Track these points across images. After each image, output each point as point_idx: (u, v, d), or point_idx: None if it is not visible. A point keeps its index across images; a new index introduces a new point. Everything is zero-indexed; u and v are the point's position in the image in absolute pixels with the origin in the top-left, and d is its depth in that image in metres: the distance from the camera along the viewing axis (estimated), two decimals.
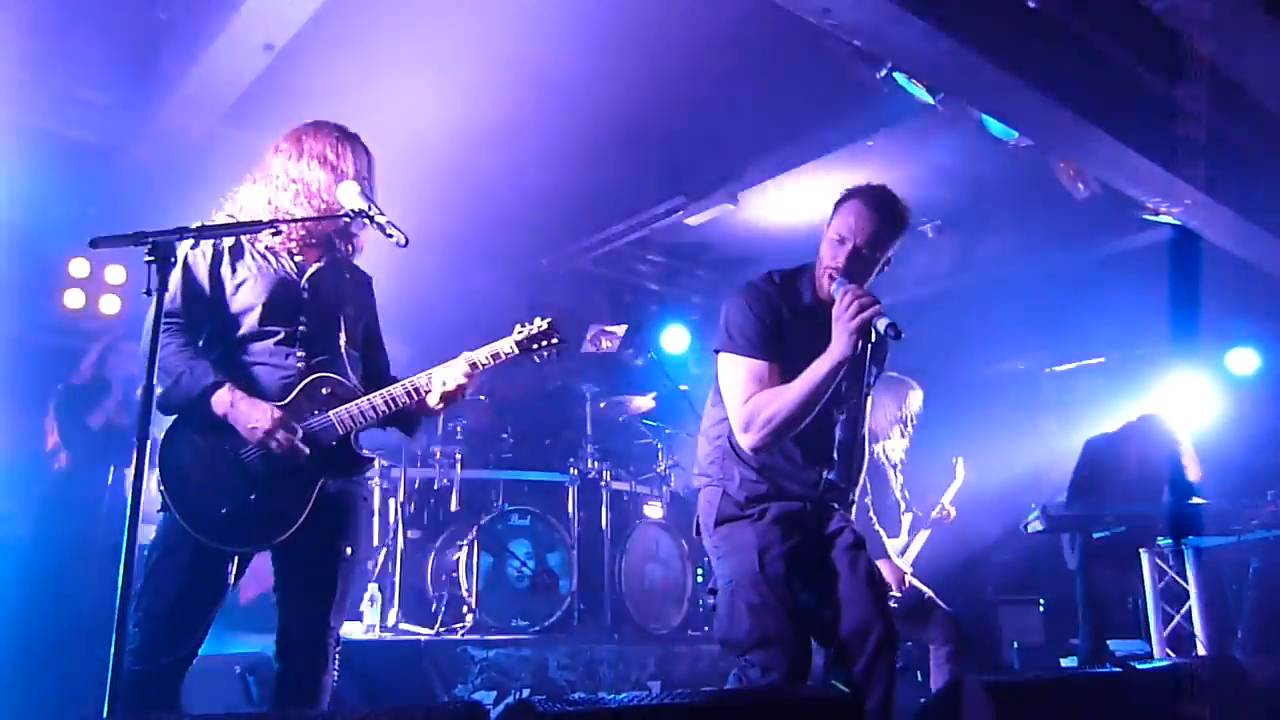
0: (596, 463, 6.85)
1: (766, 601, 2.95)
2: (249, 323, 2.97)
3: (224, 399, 2.82)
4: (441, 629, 5.74)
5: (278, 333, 2.98)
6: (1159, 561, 5.51)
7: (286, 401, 2.91)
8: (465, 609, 5.88)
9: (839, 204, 3.15)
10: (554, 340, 3.21)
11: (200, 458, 2.85)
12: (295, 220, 2.99)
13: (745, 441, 3.02)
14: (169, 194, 5.95)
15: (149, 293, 2.48)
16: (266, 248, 3.06)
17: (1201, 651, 5.18)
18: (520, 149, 6.73)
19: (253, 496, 2.83)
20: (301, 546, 2.92)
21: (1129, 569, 5.73)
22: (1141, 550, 5.53)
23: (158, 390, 2.60)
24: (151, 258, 2.47)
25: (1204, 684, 3.10)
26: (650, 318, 8.76)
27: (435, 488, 6.43)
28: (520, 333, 3.20)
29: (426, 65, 5.54)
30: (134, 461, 2.36)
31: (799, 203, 7.25)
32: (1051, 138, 5.48)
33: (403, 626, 5.77)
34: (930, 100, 5.31)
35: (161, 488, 2.81)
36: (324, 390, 2.99)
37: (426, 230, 7.25)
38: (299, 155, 3.08)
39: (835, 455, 3.19)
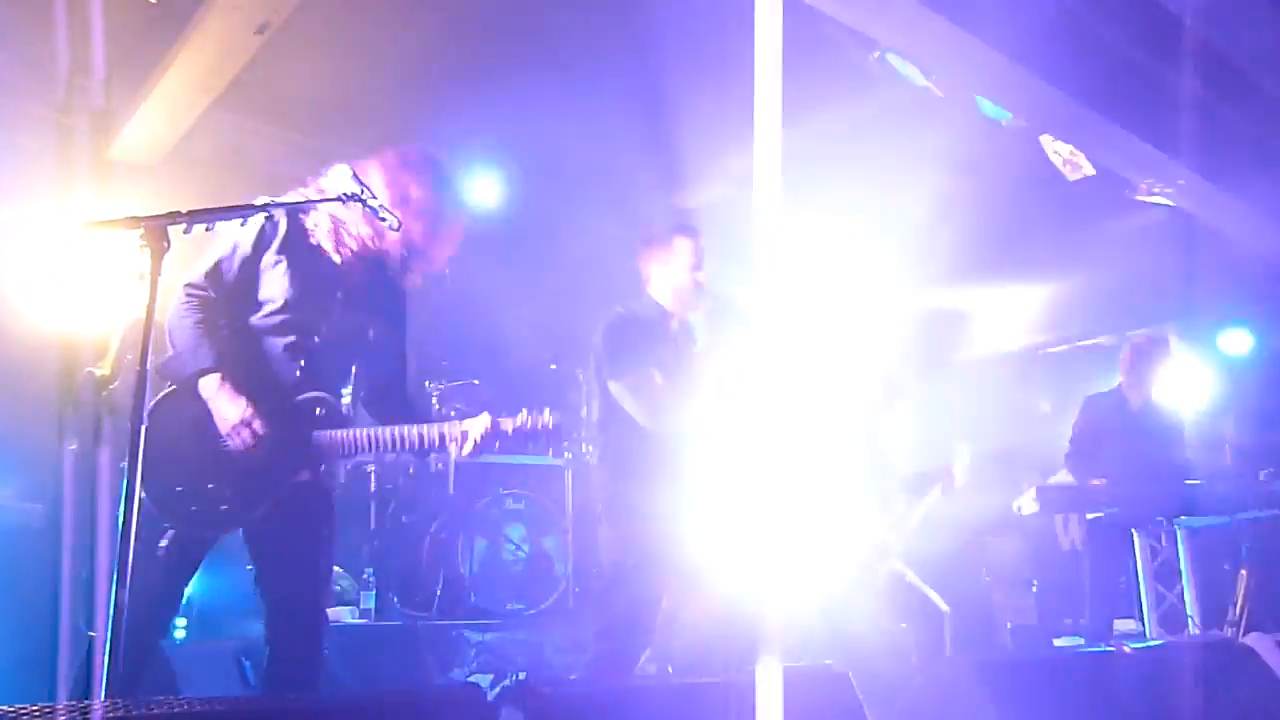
0: (591, 446, 6.85)
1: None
2: (270, 318, 2.99)
3: (212, 385, 2.85)
4: (437, 613, 5.75)
5: (292, 337, 3.00)
6: (1152, 541, 5.55)
7: (274, 407, 2.90)
8: (461, 593, 5.89)
9: (671, 239, 3.72)
10: (555, 437, 3.27)
11: (176, 433, 2.86)
12: (287, 204, 2.97)
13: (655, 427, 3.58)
14: (161, 178, 5.96)
15: (142, 278, 2.47)
16: (318, 244, 3.05)
17: (1194, 631, 5.22)
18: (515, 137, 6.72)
19: (210, 485, 2.83)
20: (272, 536, 2.95)
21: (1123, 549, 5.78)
22: (1134, 530, 5.57)
23: (166, 356, 2.67)
24: (144, 242, 2.46)
25: (1196, 663, 3.12)
26: None
27: (430, 472, 6.43)
28: (526, 419, 3.20)
29: (414, 50, 5.53)
30: (130, 443, 2.36)
31: (790, 186, 7.23)
32: (1045, 119, 5.47)
33: (399, 610, 5.78)
34: (923, 82, 5.29)
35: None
36: (317, 410, 3.00)
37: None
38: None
39: None
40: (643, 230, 3.79)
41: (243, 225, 2.95)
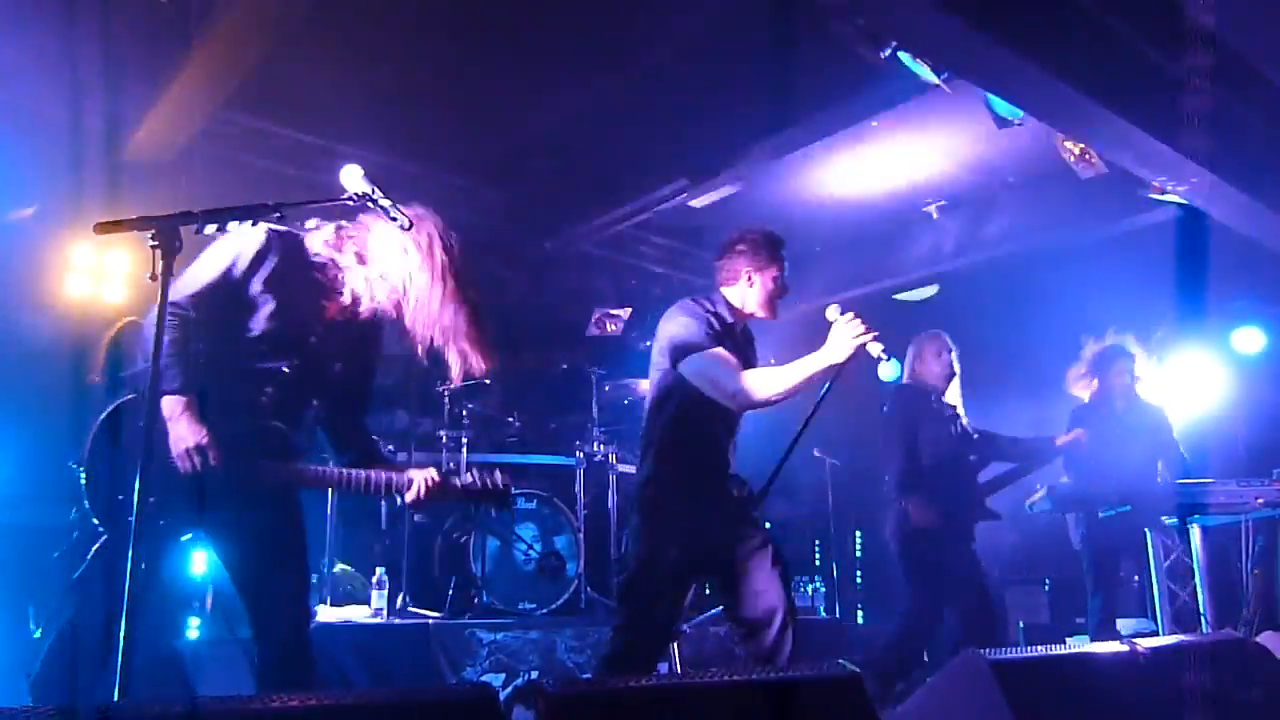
0: (603, 446, 6.86)
1: (649, 590, 3.50)
2: (246, 345, 3.02)
3: (173, 406, 2.85)
4: (449, 612, 5.76)
5: (263, 365, 3.03)
6: (1165, 540, 5.53)
7: (231, 432, 2.92)
8: (472, 592, 5.90)
9: (776, 254, 3.73)
10: (504, 504, 3.38)
11: (130, 448, 2.88)
12: (299, 204, 2.97)
13: (746, 402, 3.45)
14: (172, 178, 5.98)
15: (153, 278, 2.48)
16: (308, 278, 3.08)
17: (1207, 629, 5.20)
18: (522, 132, 6.73)
19: (151, 499, 2.82)
20: (241, 548, 3.01)
21: (1133, 547, 5.76)
22: (1147, 529, 5.55)
23: (135, 369, 2.76)
24: (155, 243, 2.47)
25: (1210, 662, 3.11)
26: (655, 300, 8.76)
27: (442, 472, 6.44)
28: (476, 479, 3.32)
29: (426, 46, 5.54)
30: (143, 445, 2.37)
31: (803, 184, 7.24)
32: (1057, 116, 5.44)
33: (411, 610, 5.80)
34: (935, 80, 5.28)
35: (88, 460, 2.89)
36: (272, 440, 3.04)
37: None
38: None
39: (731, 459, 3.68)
40: (738, 235, 3.81)
41: (235, 249, 3.00)
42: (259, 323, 3.02)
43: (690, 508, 3.54)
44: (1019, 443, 5.71)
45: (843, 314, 3.42)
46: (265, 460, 3.01)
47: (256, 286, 3.02)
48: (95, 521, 2.88)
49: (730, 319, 3.69)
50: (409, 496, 3.15)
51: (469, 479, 3.31)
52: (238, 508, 2.95)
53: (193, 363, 2.92)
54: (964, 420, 5.43)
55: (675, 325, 3.60)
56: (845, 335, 3.34)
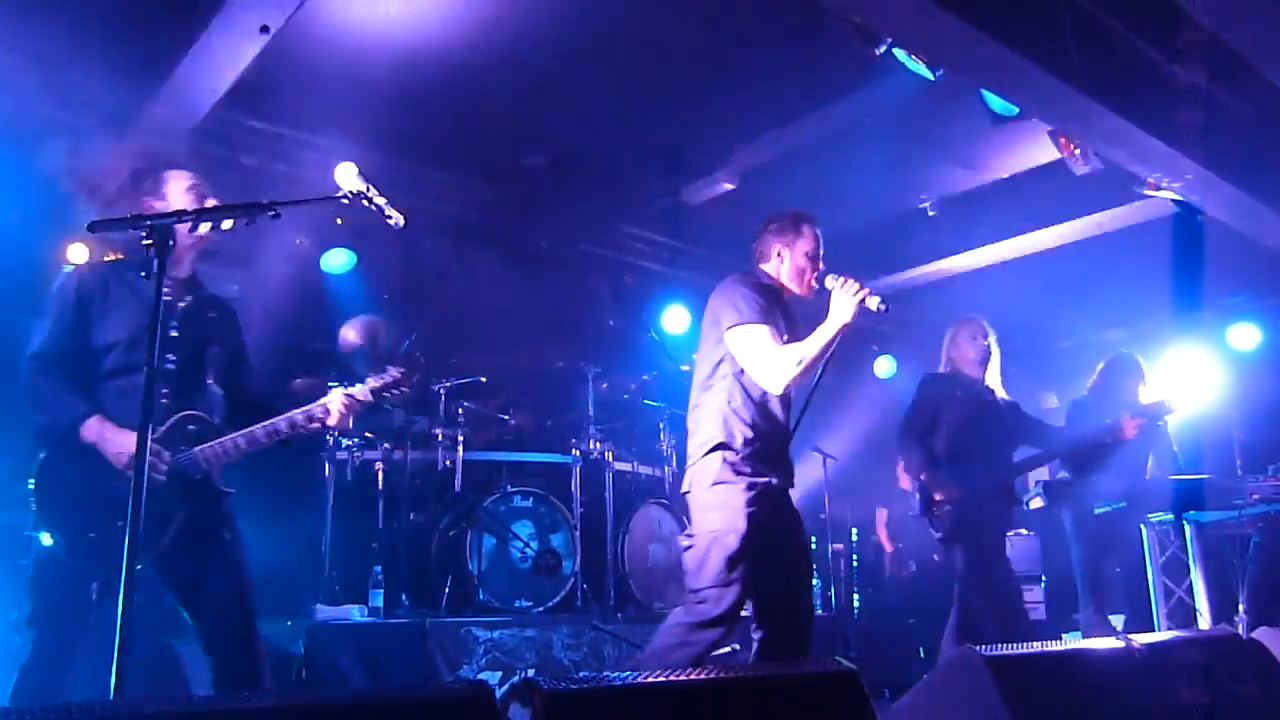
0: (599, 443, 6.85)
1: (741, 555, 3.41)
2: (115, 358, 3.10)
3: (94, 428, 2.97)
4: (446, 610, 5.76)
5: (145, 369, 3.06)
6: (1161, 536, 5.54)
7: (155, 436, 2.99)
8: (469, 590, 5.90)
9: (800, 228, 3.87)
10: (403, 389, 3.46)
11: (72, 485, 2.98)
12: (291, 203, 2.97)
13: (779, 381, 3.54)
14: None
15: (148, 276, 2.48)
16: (143, 280, 3.16)
17: (1203, 625, 5.21)
18: (518, 130, 6.72)
19: (120, 523, 2.87)
20: (183, 559, 3.09)
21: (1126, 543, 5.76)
22: (1143, 525, 5.56)
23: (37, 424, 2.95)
24: (150, 241, 2.48)
25: (1205, 658, 3.12)
26: (650, 298, 8.75)
27: (438, 469, 6.44)
28: (374, 382, 3.40)
29: (419, 46, 5.52)
30: (136, 445, 2.37)
31: (799, 180, 7.23)
32: (1052, 113, 5.45)
33: (407, 608, 5.80)
34: (930, 76, 5.28)
35: (41, 515, 2.98)
36: (190, 427, 3.16)
37: (427, 213, 7.28)
38: None
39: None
40: (771, 215, 3.96)
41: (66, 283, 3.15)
42: (118, 333, 3.12)
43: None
44: (1062, 431, 5.64)
45: (836, 279, 3.59)
46: (196, 447, 3.14)
47: (98, 308, 3.15)
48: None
49: (776, 293, 3.81)
50: (331, 420, 3.27)
51: (374, 382, 3.40)
52: (179, 511, 3.07)
53: (82, 390, 3.05)
54: (1004, 399, 5.34)
55: (727, 298, 3.68)
56: (844, 297, 3.50)
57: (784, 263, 3.85)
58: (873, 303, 3.49)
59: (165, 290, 3.11)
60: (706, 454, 3.58)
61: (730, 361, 3.64)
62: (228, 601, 3.13)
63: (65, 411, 2.98)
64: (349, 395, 3.31)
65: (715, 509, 3.51)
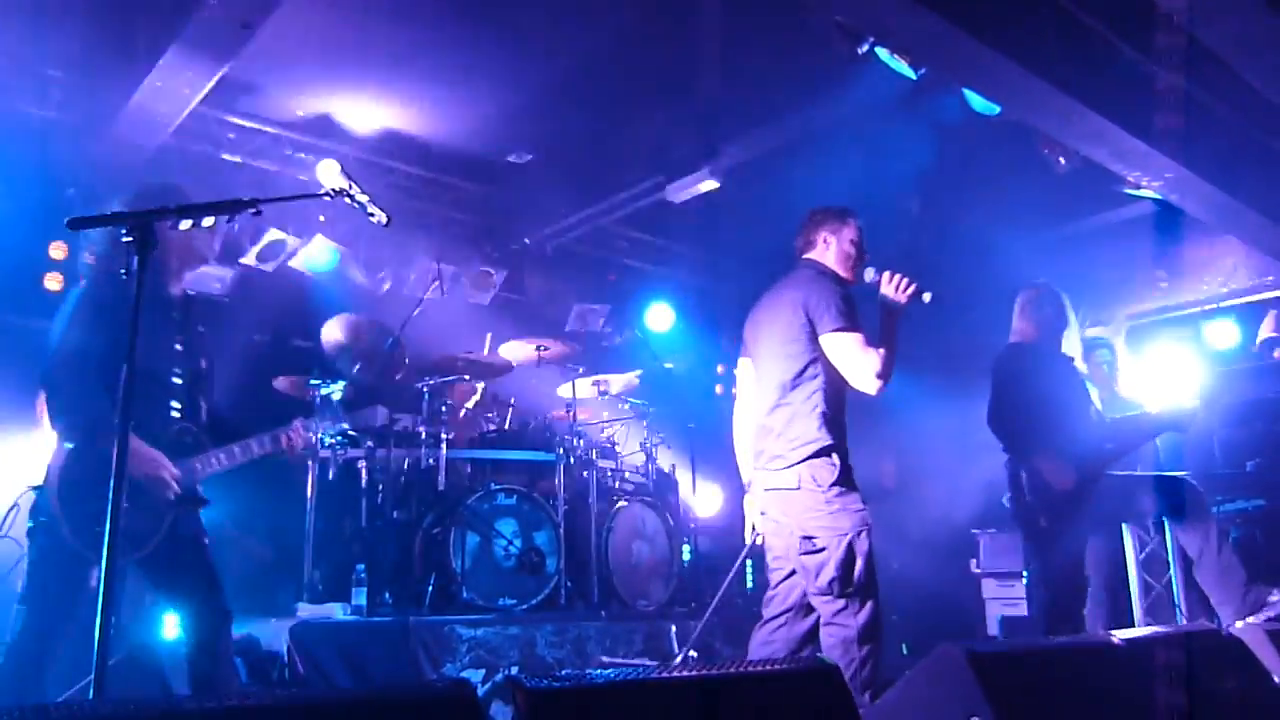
0: (582, 441, 6.85)
1: (873, 553, 3.59)
2: (139, 365, 3.13)
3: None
4: (429, 609, 5.74)
5: (158, 381, 3.31)
6: (1140, 532, 5.57)
7: (158, 444, 3.21)
8: (452, 588, 5.88)
9: (846, 218, 4.01)
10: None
11: (93, 480, 2.96)
12: (273, 200, 2.97)
13: (878, 387, 3.65)
14: (148, 175, 5.92)
15: (127, 273, 2.47)
16: (161, 298, 3.35)
17: (1183, 621, 5.25)
18: (501, 128, 6.72)
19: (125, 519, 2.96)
20: (165, 563, 3.24)
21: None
22: (1122, 521, 5.58)
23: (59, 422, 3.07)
24: (130, 238, 2.46)
25: (1185, 653, 3.14)
26: (634, 295, 8.76)
27: (421, 468, 6.42)
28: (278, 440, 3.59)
29: (402, 51, 5.51)
30: (116, 442, 2.36)
31: (781, 178, 7.25)
32: (1033, 112, 5.48)
33: (390, 606, 5.78)
34: (912, 75, 5.30)
35: (57, 501, 3.09)
36: (186, 440, 3.36)
37: (410, 210, 7.26)
38: None
39: None
40: (812, 210, 4.09)
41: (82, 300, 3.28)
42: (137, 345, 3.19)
43: None
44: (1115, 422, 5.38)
45: (879, 274, 3.76)
46: (192, 460, 3.33)
47: (121, 315, 3.21)
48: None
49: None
50: (298, 444, 3.58)
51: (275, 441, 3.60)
52: (169, 515, 3.21)
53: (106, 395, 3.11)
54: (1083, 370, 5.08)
55: (822, 297, 3.74)
56: (895, 293, 3.70)
57: (829, 249, 3.97)
58: (925, 296, 3.66)
59: (173, 311, 3.38)
60: (816, 455, 3.64)
61: (823, 362, 3.72)
62: (201, 602, 3.27)
63: (99, 414, 3.03)
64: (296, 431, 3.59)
65: (841, 511, 3.59)
